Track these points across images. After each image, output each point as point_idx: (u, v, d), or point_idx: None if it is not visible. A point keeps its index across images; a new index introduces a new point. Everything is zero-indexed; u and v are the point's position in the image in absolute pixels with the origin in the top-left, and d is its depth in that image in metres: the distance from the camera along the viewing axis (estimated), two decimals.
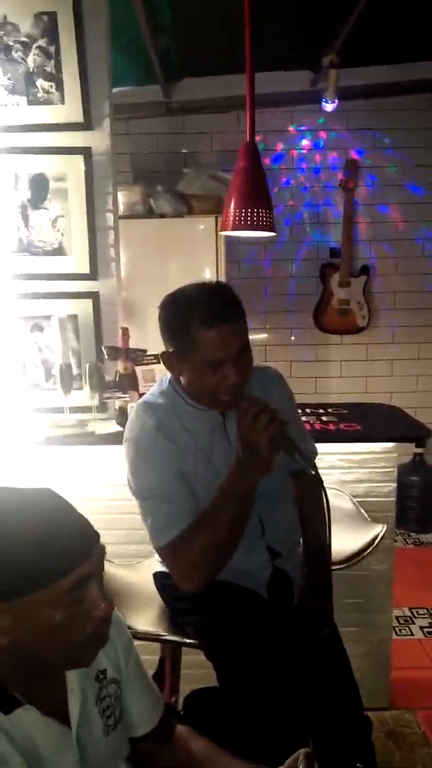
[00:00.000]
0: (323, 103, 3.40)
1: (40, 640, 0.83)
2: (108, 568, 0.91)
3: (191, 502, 1.36)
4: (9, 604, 0.81)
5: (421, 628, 2.73)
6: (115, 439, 2.00)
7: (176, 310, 1.34)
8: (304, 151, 3.78)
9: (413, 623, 2.76)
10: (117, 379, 2.11)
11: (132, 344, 2.13)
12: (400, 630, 2.69)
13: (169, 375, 1.46)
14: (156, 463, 1.36)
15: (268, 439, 1.25)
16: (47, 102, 2.09)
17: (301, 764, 0.91)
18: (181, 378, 1.40)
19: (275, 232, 2.29)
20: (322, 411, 2.25)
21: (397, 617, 2.73)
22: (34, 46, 2.05)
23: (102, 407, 2.16)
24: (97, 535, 0.88)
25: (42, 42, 2.05)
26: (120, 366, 2.11)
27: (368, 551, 1.68)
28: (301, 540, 1.56)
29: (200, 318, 1.29)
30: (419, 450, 3.69)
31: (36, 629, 0.82)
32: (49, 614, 0.82)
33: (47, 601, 0.82)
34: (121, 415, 2.06)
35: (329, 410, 2.26)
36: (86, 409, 2.15)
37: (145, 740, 1.05)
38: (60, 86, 2.08)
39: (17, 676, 0.86)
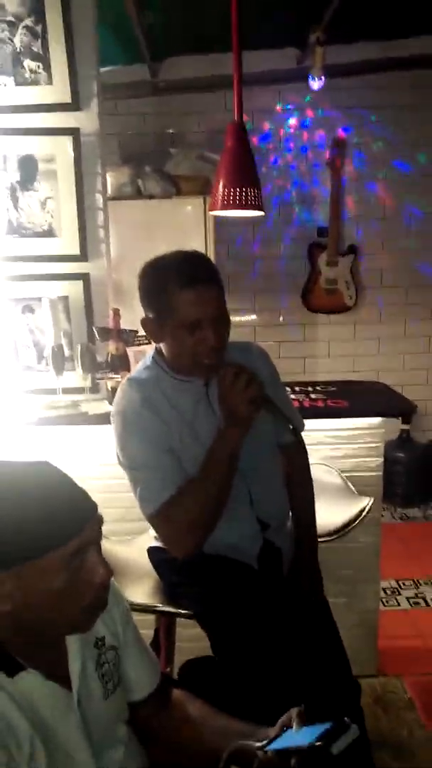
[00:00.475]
0: (310, 81, 3.38)
1: (41, 606, 0.87)
2: (104, 544, 0.94)
3: (179, 472, 1.40)
4: (11, 571, 0.84)
5: (408, 598, 2.82)
6: (107, 419, 2.00)
7: (154, 275, 1.39)
8: (291, 130, 3.77)
9: (400, 594, 2.85)
10: (109, 360, 2.13)
11: (123, 325, 2.15)
12: (387, 601, 2.78)
13: (152, 351, 1.50)
14: (143, 435, 1.40)
15: (247, 400, 1.30)
16: (35, 82, 2.08)
17: (295, 721, 0.95)
18: (161, 346, 1.44)
19: (264, 211, 2.31)
20: (310, 389, 2.29)
21: (384, 589, 2.81)
22: (21, 25, 2.04)
23: (94, 388, 2.18)
24: (94, 504, 0.92)
25: (28, 21, 2.04)
26: (111, 347, 2.13)
27: (356, 523, 1.73)
28: (290, 513, 1.61)
29: (177, 280, 1.33)
30: (405, 426, 3.76)
31: (37, 595, 0.86)
32: (50, 581, 0.85)
33: (48, 568, 0.85)
34: (113, 396, 2.09)
35: (317, 388, 2.31)
36: (78, 390, 2.17)
37: (143, 704, 1.09)
38: (47, 66, 2.07)
39: (19, 642, 0.90)
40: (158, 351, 1.48)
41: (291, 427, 1.37)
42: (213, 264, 1.42)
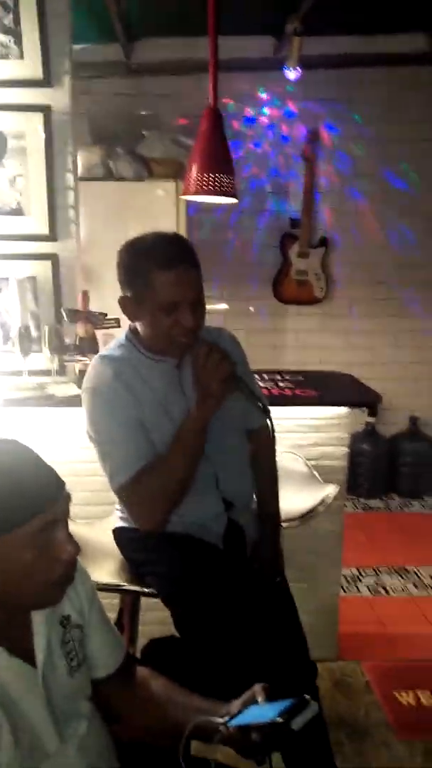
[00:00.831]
0: (285, 71, 3.38)
1: (9, 581, 0.87)
2: (69, 525, 0.95)
3: (148, 447, 1.42)
4: None
5: (368, 586, 2.87)
6: (75, 401, 2.00)
7: (135, 254, 1.40)
8: (265, 119, 3.76)
9: (360, 582, 2.90)
10: (77, 343, 2.11)
11: (92, 307, 2.13)
12: (348, 588, 2.83)
13: (125, 331, 1.51)
14: (114, 409, 1.41)
15: (219, 378, 1.34)
16: (4, 56, 2.05)
17: (260, 695, 0.97)
18: (137, 325, 1.45)
19: (237, 198, 2.31)
20: (279, 377, 2.31)
21: (345, 576, 2.86)
22: None
23: (61, 370, 2.15)
24: (62, 482, 0.92)
25: None
26: (80, 329, 2.11)
27: (319, 507, 1.75)
28: (254, 496, 1.63)
29: (157, 261, 1.35)
30: (371, 419, 3.82)
31: (5, 571, 0.86)
32: (18, 556, 0.86)
33: (16, 544, 0.85)
34: (81, 378, 2.07)
35: (286, 377, 2.32)
36: (46, 372, 2.14)
37: (107, 682, 1.10)
38: (18, 40, 2.03)
39: None
40: (132, 330, 1.49)
41: (260, 404, 1.40)
42: (193, 247, 1.43)
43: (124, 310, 1.45)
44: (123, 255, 1.42)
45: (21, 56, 2.04)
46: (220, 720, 0.97)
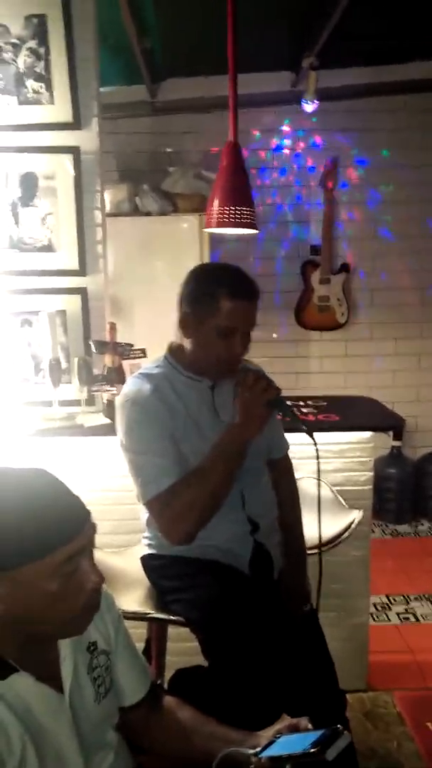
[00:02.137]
0: (303, 104, 3.47)
1: (35, 610, 0.89)
2: (96, 554, 0.97)
3: (181, 462, 1.46)
4: (5, 574, 0.86)
5: (398, 614, 2.83)
6: (103, 431, 2.06)
7: (207, 277, 1.54)
8: (287, 150, 3.85)
9: (390, 610, 2.86)
10: (105, 373, 2.16)
11: (119, 339, 2.19)
12: (377, 616, 2.79)
13: (163, 353, 1.59)
14: (151, 421, 1.47)
15: (264, 401, 1.42)
16: (37, 102, 2.14)
17: (304, 724, 0.97)
18: (186, 343, 1.54)
19: (257, 229, 2.36)
20: (301, 403, 2.33)
21: (374, 604, 2.83)
22: (25, 47, 2.10)
23: (90, 400, 2.21)
24: (88, 511, 0.94)
25: (32, 44, 2.10)
26: (108, 360, 2.16)
27: (345, 535, 1.76)
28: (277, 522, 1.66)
29: (228, 289, 1.47)
30: (396, 443, 3.80)
31: (31, 599, 0.88)
32: (43, 585, 0.87)
33: (42, 573, 0.87)
34: (109, 408, 2.12)
35: (309, 402, 2.34)
36: (75, 403, 2.20)
37: (134, 710, 1.10)
38: (49, 87, 2.13)
39: (12, 644, 0.91)
40: (172, 350, 1.58)
41: (304, 427, 1.48)
42: (257, 285, 1.54)
43: (183, 326, 1.53)
44: (192, 278, 1.54)
45: (52, 101, 2.14)
46: (251, 751, 0.96)
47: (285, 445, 1.74)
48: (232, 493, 1.49)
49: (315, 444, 1.45)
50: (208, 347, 1.49)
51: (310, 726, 0.97)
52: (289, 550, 1.63)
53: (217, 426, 1.51)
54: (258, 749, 0.96)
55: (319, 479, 1.52)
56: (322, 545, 1.70)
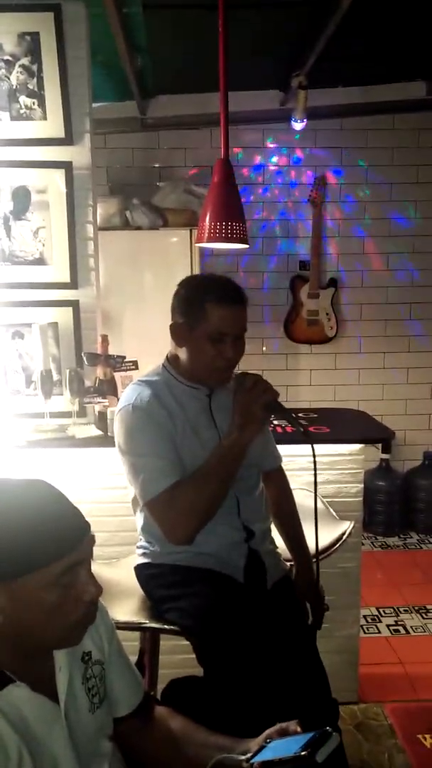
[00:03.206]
0: (292, 122, 3.53)
1: (32, 621, 0.89)
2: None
3: (180, 464, 1.49)
4: (3, 585, 0.86)
5: (388, 626, 2.84)
6: (95, 442, 2.07)
7: (197, 286, 1.57)
8: (274, 167, 3.91)
9: (380, 622, 2.87)
10: (96, 385, 2.17)
11: (111, 351, 2.20)
12: (367, 628, 2.80)
13: (162, 360, 1.62)
14: (151, 424, 1.50)
15: (263, 403, 1.46)
16: (29, 118, 2.17)
17: (294, 727, 0.97)
18: (180, 352, 1.56)
19: (248, 244, 2.40)
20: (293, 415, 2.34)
21: (365, 616, 2.83)
22: (18, 64, 2.13)
23: (82, 412, 2.22)
24: (87, 523, 0.95)
25: (25, 61, 2.13)
26: (99, 372, 2.17)
27: (337, 546, 1.77)
28: (271, 527, 1.69)
29: (215, 295, 1.51)
30: (385, 456, 3.82)
31: (29, 610, 0.88)
32: (41, 596, 0.88)
33: (40, 584, 0.87)
34: (101, 420, 2.13)
35: (299, 414, 2.36)
36: (66, 414, 2.21)
37: (126, 720, 1.11)
38: (42, 103, 2.16)
39: (9, 655, 0.91)
40: (169, 360, 1.61)
41: (302, 429, 1.52)
42: (244, 292, 1.58)
43: (174, 335, 1.57)
44: (182, 287, 1.58)
45: (44, 117, 2.17)
46: (242, 757, 0.96)
47: (278, 457, 1.77)
48: (227, 498, 1.51)
49: (312, 447, 1.47)
50: (201, 354, 1.52)
51: (299, 729, 0.97)
52: (298, 565, 1.67)
53: (214, 433, 1.55)
54: (249, 755, 0.96)
55: (316, 485, 1.51)
56: (314, 556, 1.71)
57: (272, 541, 1.67)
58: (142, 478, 1.48)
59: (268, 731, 1.00)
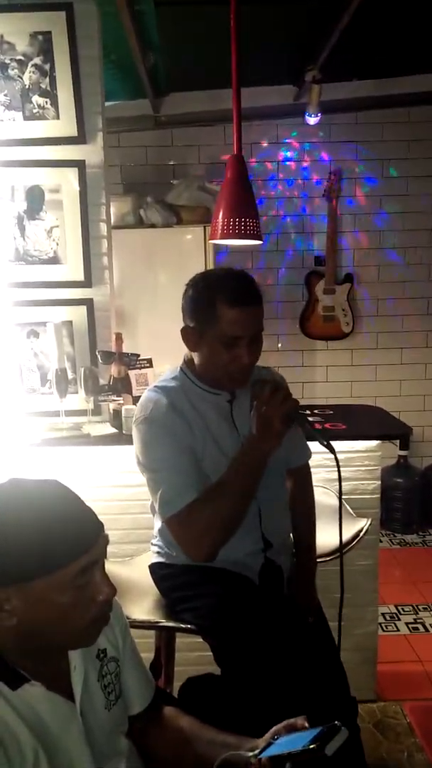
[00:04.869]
0: (306, 117, 3.51)
1: (47, 622, 0.89)
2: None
3: (200, 477, 1.42)
4: (19, 587, 0.86)
5: (407, 624, 2.81)
6: (110, 440, 2.07)
7: (204, 287, 1.44)
8: (289, 163, 3.88)
9: (399, 620, 2.84)
10: (111, 383, 2.17)
11: (125, 349, 2.21)
12: (386, 626, 2.77)
13: (179, 364, 1.55)
14: (168, 436, 1.43)
15: (282, 414, 1.34)
16: (42, 117, 2.17)
17: (302, 722, 0.97)
18: (194, 356, 1.49)
19: (262, 240, 2.38)
20: (308, 412, 2.33)
21: (383, 614, 2.81)
22: (30, 64, 2.14)
23: (96, 410, 2.22)
24: (101, 524, 0.94)
25: (37, 60, 2.14)
26: (114, 370, 2.17)
27: (354, 543, 1.75)
28: (290, 533, 1.64)
29: (226, 296, 1.40)
30: (403, 452, 3.79)
31: (43, 611, 0.88)
32: (56, 597, 0.87)
33: (55, 585, 0.87)
34: (116, 418, 2.13)
35: (315, 411, 2.34)
36: (81, 413, 2.21)
37: (138, 718, 1.11)
38: (55, 102, 2.16)
39: (23, 654, 0.92)
40: (186, 362, 1.53)
41: (325, 442, 1.39)
42: (258, 286, 1.47)
43: (185, 340, 1.49)
44: (192, 287, 1.47)
45: (57, 116, 2.18)
46: (250, 753, 0.96)
47: (306, 454, 1.69)
48: (250, 509, 1.45)
49: (335, 456, 1.37)
50: (215, 359, 1.43)
51: (306, 725, 0.96)
52: (299, 562, 1.61)
53: (236, 440, 1.46)
54: (257, 751, 0.96)
55: (341, 492, 1.43)
56: (331, 554, 1.70)
57: (291, 552, 1.62)
58: (159, 495, 1.42)
59: (275, 728, 1.00)
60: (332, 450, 1.38)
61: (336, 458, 1.38)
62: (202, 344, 1.45)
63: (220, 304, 1.39)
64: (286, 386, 1.48)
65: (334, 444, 2.11)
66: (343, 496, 2.05)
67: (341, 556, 1.47)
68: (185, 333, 1.48)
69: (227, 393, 1.51)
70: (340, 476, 1.41)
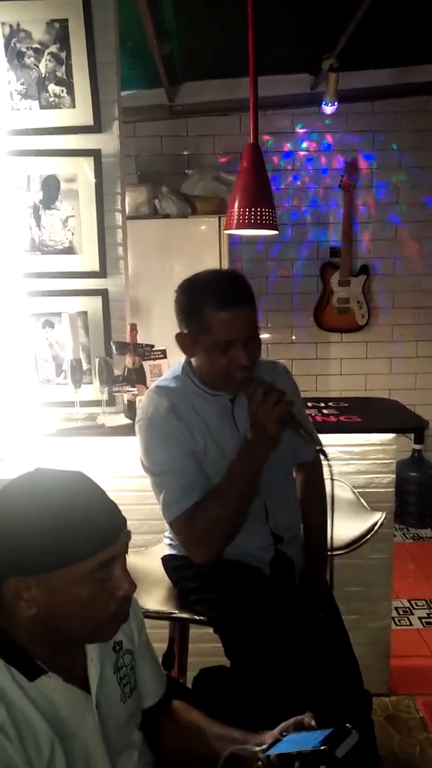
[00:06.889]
0: (323, 106, 3.47)
1: (65, 614, 0.89)
2: None
3: (202, 479, 1.43)
4: (38, 578, 0.86)
5: (420, 618, 2.80)
6: (124, 431, 2.07)
7: (191, 293, 1.43)
8: (305, 153, 3.84)
9: (412, 614, 2.83)
10: (125, 374, 2.17)
11: (139, 340, 2.20)
12: (399, 620, 2.76)
13: (181, 361, 1.54)
14: (168, 440, 1.43)
15: (275, 417, 1.32)
16: (58, 106, 2.16)
17: (309, 721, 0.97)
18: (193, 360, 1.48)
19: (277, 230, 2.36)
20: (323, 404, 2.32)
21: (396, 608, 2.80)
22: (46, 52, 2.12)
23: (111, 401, 2.22)
24: (124, 519, 0.94)
25: (54, 48, 2.12)
26: (128, 361, 2.17)
27: (368, 537, 1.74)
28: (301, 525, 1.63)
29: (213, 301, 1.37)
30: (418, 446, 3.76)
31: (62, 603, 0.88)
32: (75, 590, 0.87)
33: (74, 578, 0.87)
34: (130, 408, 2.13)
35: (330, 404, 2.33)
36: (96, 403, 2.21)
37: (150, 711, 1.11)
38: (71, 91, 2.15)
39: (41, 646, 0.92)
40: (189, 362, 1.52)
41: (318, 447, 1.36)
42: (247, 282, 1.45)
43: (181, 346, 1.47)
44: (180, 294, 1.45)
45: (73, 105, 2.16)
46: (256, 748, 0.96)
47: (314, 447, 1.68)
48: (255, 506, 1.45)
49: (325, 455, 1.35)
50: (213, 364, 1.41)
51: (313, 722, 0.96)
52: (310, 556, 1.60)
53: (237, 440, 1.45)
54: (264, 747, 0.96)
55: (332, 500, 1.43)
56: (345, 547, 1.69)
57: (302, 544, 1.62)
58: (162, 497, 1.43)
59: (283, 724, 1.00)
60: (325, 455, 1.35)
61: (329, 464, 1.36)
62: (197, 350, 1.44)
63: (208, 309, 1.37)
64: (285, 387, 1.44)
65: (350, 437, 2.14)
66: (358, 490, 2.06)
67: (332, 556, 1.46)
68: (180, 339, 1.47)
69: (228, 393, 1.50)
70: (333, 480, 1.41)
